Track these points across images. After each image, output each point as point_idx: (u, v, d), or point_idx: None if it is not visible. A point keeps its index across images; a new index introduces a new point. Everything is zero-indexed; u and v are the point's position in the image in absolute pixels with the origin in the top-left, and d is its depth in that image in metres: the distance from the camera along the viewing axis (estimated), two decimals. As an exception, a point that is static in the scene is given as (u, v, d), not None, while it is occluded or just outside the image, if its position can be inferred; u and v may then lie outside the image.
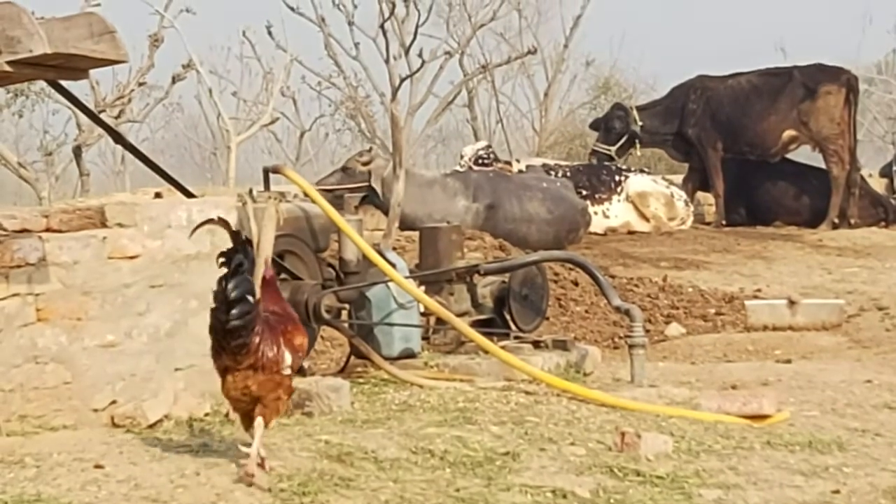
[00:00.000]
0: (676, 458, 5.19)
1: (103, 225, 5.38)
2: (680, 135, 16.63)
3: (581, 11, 24.16)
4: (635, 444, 5.16)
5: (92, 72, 5.39)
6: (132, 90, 17.23)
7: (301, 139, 25.79)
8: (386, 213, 10.33)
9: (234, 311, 4.42)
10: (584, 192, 14.57)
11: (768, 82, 16.32)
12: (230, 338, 4.47)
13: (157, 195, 8.15)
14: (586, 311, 9.88)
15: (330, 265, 6.87)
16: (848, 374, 7.19)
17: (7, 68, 4.79)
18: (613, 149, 16.65)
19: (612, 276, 10.73)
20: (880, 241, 14.13)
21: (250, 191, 6.94)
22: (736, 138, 16.22)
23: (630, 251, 12.99)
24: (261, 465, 4.57)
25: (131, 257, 5.38)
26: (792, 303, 9.49)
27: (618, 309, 6.89)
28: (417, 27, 20.42)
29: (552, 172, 14.88)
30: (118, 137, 7.74)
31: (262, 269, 4.84)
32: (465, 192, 12.44)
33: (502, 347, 6.57)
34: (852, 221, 15.61)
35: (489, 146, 15.99)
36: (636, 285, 10.75)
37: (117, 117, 17.09)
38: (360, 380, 6.50)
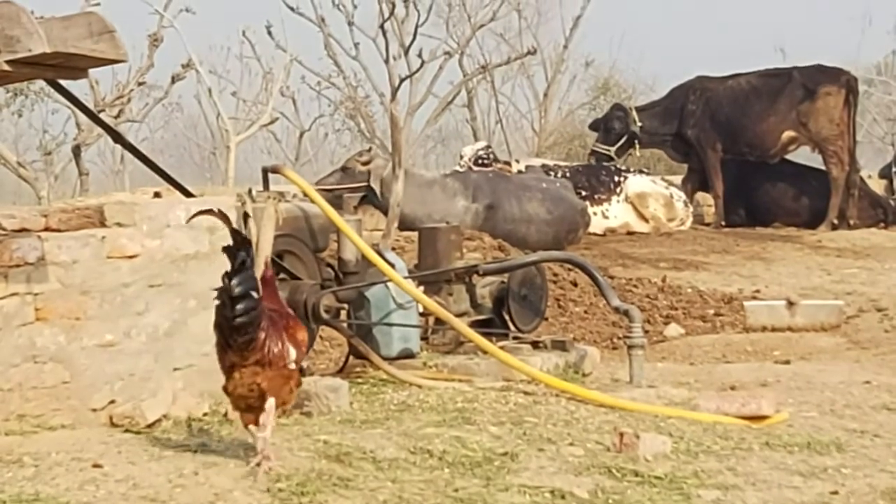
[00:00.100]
0: (675, 458, 5.19)
1: (102, 224, 5.38)
2: (679, 135, 16.64)
3: (581, 12, 24.19)
4: (634, 445, 5.16)
5: (91, 71, 5.40)
6: (131, 90, 17.24)
7: (300, 139, 25.80)
8: (385, 213, 10.33)
9: (239, 307, 4.45)
10: (584, 193, 14.57)
11: (768, 83, 16.32)
12: (237, 334, 4.49)
13: (157, 195, 8.16)
14: (585, 312, 9.88)
15: (329, 265, 6.87)
16: (847, 375, 7.19)
17: (6, 67, 4.79)
18: (613, 149, 16.65)
19: (611, 277, 10.73)
20: (879, 242, 14.13)
21: (249, 191, 6.94)
22: (735, 139, 16.22)
23: (629, 252, 12.99)
24: (259, 465, 4.58)
25: (130, 257, 5.38)
26: (791, 304, 9.49)
27: (617, 309, 6.89)
28: (417, 27, 20.42)
29: (551, 173, 14.88)
30: (117, 137, 7.74)
31: (261, 268, 4.85)
32: (465, 192, 12.44)
33: (501, 348, 6.57)
34: (851, 222, 15.62)
35: (489, 146, 15.99)
36: (635, 286, 10.75)
37: (117, 117, 17.09)
38: (359, 380, 6.50)
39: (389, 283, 6.65)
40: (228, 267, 4.48)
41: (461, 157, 15.48)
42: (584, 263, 7.32)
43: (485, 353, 6.51)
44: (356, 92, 23.38)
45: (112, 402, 5.28)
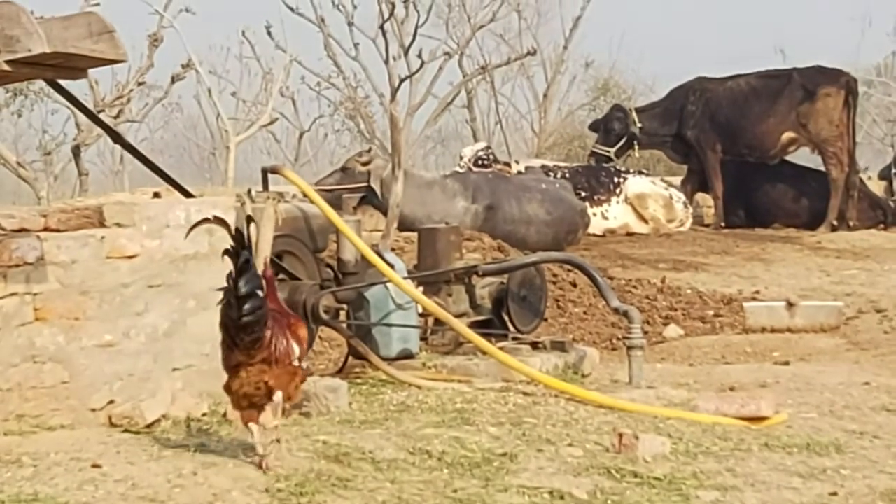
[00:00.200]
0: (674, 459, 5.19)
1: (102, 224, 5.38)
2: (679, 136, 16.63)
3: (580, 13, 24.17)
4: (633, 446, 5.16)
5: (91, 71, 5.40)
6: (131, 90, 17.23)
7: (300, 139, 25.79)
8: (385, 213, 10.32)
9: (246, 307, 4.48)
10: (583, 194, 14.57)
11: (767, 84, 16.32)
12: (244, 333, 4.52)
13: (156, 195, 8.15)
14: (585, 313, 9.88)
15: (328, 265, 6.87)
16: (846, 376, 7.19)
17: (6, 67, 4.79)
18: (612, 150, 16.65)
19: (611, 278, 10.73)
20: (879, 243, 14.13)
21: (249, 191, 6.94)
22: (735, 140, 16.22)
23: (629, 253, 12.99)
24: (259, 465, 4.58)
25: (129, 257, 5.38)
26: (790, 305, 9.49)
27: (616, 310, 6.89)
28: (417, 28, 20.40)
29: (551, 174, 14.88)
30: (117, 137, 7.74)
31: (261, 269, 4.85)
32: (465, 193, 12.45)
33: (500, 348, 6.57)
34: (851, 224, 15.62)
35: (488, 147, 15.99)
36: (635, 287, 10.75)
37: (116, 117, 17.08)
38: (358, 380, 6.50)
39: (389, 284, 6.65)
40: (231, 267, 4.49)
41: (461, 158, 15.48)
42: (584, 264, 7.32)
43: (484, 353, 6.51)
44: (356, 92, 23.37)
45: (111, 402, 5.28)
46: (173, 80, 18.87)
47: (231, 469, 4.57)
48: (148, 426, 5.19)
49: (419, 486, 4.63)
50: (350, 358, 6.80)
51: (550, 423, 5.63)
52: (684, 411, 5.96)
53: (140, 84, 17.37)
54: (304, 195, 6.97)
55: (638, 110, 17.07)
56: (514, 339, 7.05)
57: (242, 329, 4.51)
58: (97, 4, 13.93)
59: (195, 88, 23.19)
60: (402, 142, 8.59)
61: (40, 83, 15.65)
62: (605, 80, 26.58)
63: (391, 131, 10.28)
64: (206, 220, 4.71)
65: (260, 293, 4.52)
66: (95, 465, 4.56)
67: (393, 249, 8.20)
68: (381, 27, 19.86)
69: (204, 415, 5.42)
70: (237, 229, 4.58)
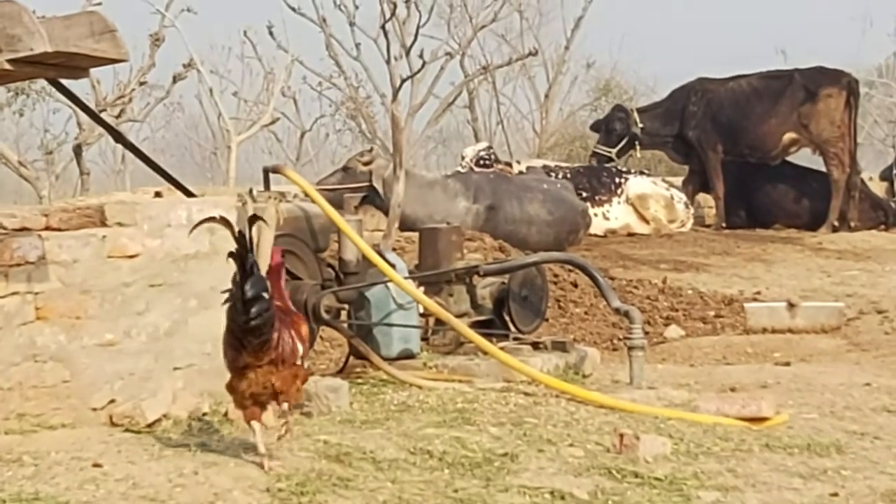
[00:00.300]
0: (675, 459, 5.19)
1: (103, 224, 5.38)
2: (680, 137, 16.63)
3: (582, 13, 24.23)
4: (634, 446, 5.16)
5: (93, 71, 5.39)
6: (133, 89, 17.26)
7: (301, 139, 25.82)
8: (386, 213, 10.32)
9: (253, 310, 4.47)
10: (585, 194, 14.57)
11: (769, 85, 16.32)
12: (251, 336, 4.52)
13: (157, 194, 8.16)
14: (585, 313, 9.88)
15: (329, 265, 6.87)
16: (847, 377, 7.18)
17: (8, 67, 4.79)
18: (614, 151, 16.65)
19: (612, 278, 10.73)
20: (880, 244, 14.14)
21: (250, 191, 6.94)
22: (736, 141, 16.22)
23: (630, 253, 12.99)
24: (260, 466, 4.58)
25: (131, 256, 5.38)
26: (791, 305, 9.49)
27: (617, 311, 6.89)
28: (418, 28, 20.45)
29: (552, 174, 14.89)
30: (118, 136, 7.75)
31: (264, 270, 4.86)
32: (466, 193, 12.45)
33: (501, 349, 6.57)
34: (852, 224, 15.62)
35: (490, 147, 16.00)
36: (636, 287, 10.75)
37: (118, 116, 17.11)
38: (359, 380, 6.49)
39: (390, 284, 6.65)
40: (236, 270, 4.48)
41: (462, 158, 15.49)
42: (585, 264, 7.32)
43: (485, 353, 6.51)
44: (357, 92, 23.41)
45: (112, 401, 5.28)
46: (175, 80, 18.91)
47: (232, 468, 4.57)
48: (149, 425, 5.19)
49: (420, 485, 4.63)
50: (351, 358, 6.80)
51: (551, 423, 5.63)
52: (685, 412, 5.96)
53: (142, 83, 17.40)
54: (306, 195, 6.97)
55: (639, 111, 17.08)
56: (515, 339, 7.04)
57: (250, 332, 4.51)
58: (99, 4, 13.96)
59: (197, 88, 23.25)
60: (403, 142, 8.59)
61: (42, 82, 15.66)
62: (607, 81, 26.61)
63: (392, 131, 10.27)
64: (210, 220, 4.70)
65: (266, 295, 4.51)
66: (96, 465, 4.56)
67: (394, 249, 8.20)
68: (383, 27, 19.90)
69: (205, 414, 5.42)
70: (240, 231, 4.58)
